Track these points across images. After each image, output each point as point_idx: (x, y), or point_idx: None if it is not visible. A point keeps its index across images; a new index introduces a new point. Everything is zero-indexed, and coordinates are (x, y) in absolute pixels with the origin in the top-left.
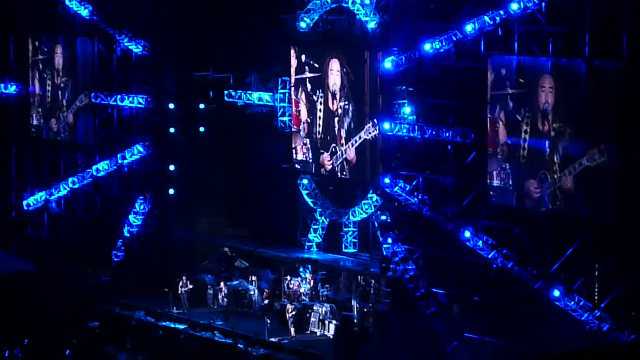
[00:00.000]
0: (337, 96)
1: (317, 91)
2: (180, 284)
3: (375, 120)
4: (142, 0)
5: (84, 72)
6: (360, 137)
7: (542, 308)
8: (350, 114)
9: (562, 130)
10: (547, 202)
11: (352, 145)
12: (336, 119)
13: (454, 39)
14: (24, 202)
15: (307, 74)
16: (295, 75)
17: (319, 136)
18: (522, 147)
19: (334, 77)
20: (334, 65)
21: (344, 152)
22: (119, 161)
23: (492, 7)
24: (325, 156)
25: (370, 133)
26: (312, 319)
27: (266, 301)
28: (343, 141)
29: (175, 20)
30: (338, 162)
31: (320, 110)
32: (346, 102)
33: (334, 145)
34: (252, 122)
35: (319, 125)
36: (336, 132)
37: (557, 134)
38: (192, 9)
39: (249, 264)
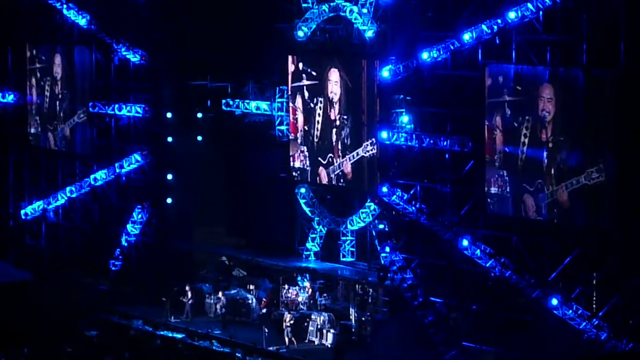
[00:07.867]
0: (336, 106)
1: (315, 99)
2: (185, 293)
3: (374, 140)
4: (139, 10)
5: (82, 81)
6: (357, 154)
7: (540, 317)
8: (348, 127)
9: (560, 141)
10: (545, 211)
11: (349, 160)
12: (334, 130)
13: (452, 47)
14: (22, 212)
15: (305, 82)
16: (292, 82)
17: (316, 140)
18: (520, 156)
19: (332, 86)
20: (333, 76)
21: (340, 165)
22: (117, 170)
23: (489, 15)
24: (322, 170)
25: (368, 151)
26: (310, 328)
27: (264, 310)
28: (340, 153)
29: (173, 29)
30: (334, 173)
31: (319, 115)
32: (344, 116)
33: (330, 155)
34: (250, 131)
35: (317, 130)
36: (334, 142)
37: (555, 145)
38: (190, 18)
39: (246, 273)
